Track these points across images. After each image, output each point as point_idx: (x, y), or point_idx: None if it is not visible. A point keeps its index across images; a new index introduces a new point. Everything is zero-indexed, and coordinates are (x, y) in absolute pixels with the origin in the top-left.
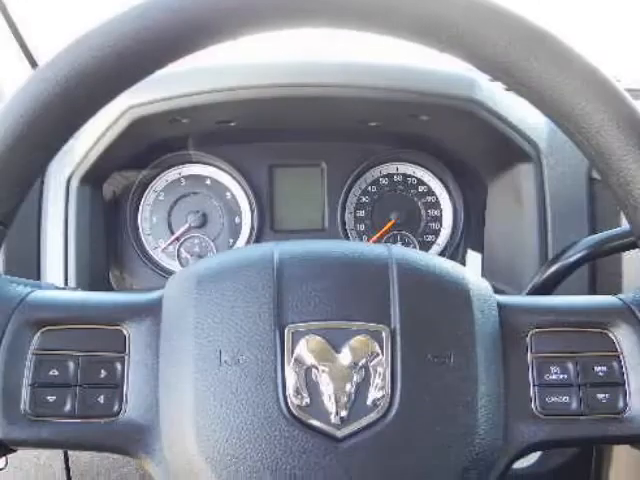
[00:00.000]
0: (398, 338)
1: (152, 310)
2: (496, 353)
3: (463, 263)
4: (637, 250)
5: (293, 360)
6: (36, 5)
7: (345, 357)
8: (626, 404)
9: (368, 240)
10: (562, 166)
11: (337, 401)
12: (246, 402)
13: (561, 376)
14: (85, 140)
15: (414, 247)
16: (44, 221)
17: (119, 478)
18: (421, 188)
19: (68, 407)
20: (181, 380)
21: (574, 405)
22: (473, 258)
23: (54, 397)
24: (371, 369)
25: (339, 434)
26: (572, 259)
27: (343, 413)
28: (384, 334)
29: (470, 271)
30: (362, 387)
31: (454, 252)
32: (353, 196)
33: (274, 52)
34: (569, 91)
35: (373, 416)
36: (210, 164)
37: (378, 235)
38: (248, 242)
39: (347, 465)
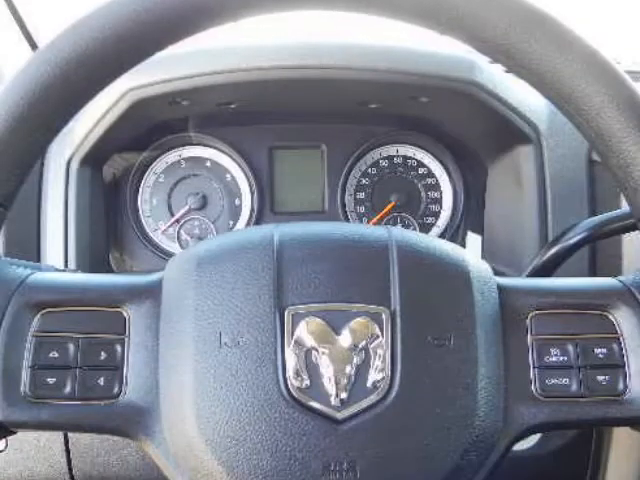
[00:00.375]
0: (398, 320)
1: (152, 292)
2: (496, 335)
3: (463, 245)
4: (637, 232)
5: (293, 342)
6: None
7: (345, 339)
8: (626, 386)
9: (368, 222)
10: (562, 148)
11: (337, 383)
12: (246, 384)
13: (561, 358)
14: (85, 122)
15: (414, 229)
16: (44, 203)
17: (119, 460)
18: (421, 170)
19: (68, 389)
20: (181, 362)
21: (574, 387)
22: (473, 240)
23: (54, 379)
24: (371, 351)
25: (339, 416)
26: (572, 241)
27: (343, 395)
28: (384, 316)
29: (470, 253)
30: (362, 369)
31: (454, 234)
32: (353, 178)
33: (274, 34)
34: (569, 73)
35: (373, 398)
36: (210, 146)
37: (378, 217)
38: (248, 224)
39: (347, 447)
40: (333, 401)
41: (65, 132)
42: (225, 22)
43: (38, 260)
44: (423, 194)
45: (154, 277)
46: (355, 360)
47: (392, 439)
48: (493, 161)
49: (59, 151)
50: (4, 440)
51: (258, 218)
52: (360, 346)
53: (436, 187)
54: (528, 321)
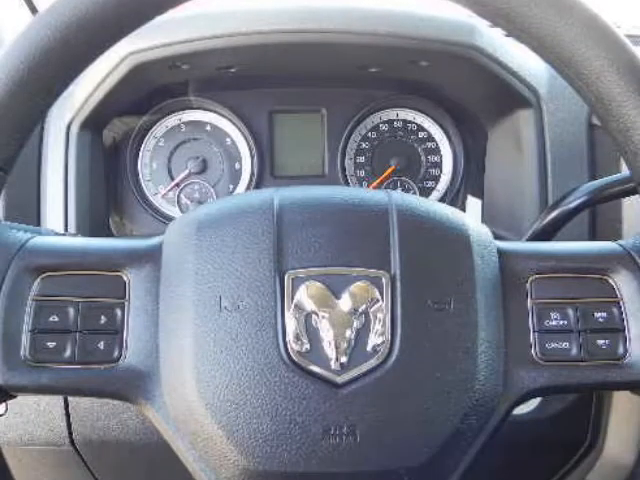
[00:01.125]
0: (398, 284)
1: (152, 256)
2: (496, 299)
3: (463, 209)
4: (637, 196)
5: (293, 306)
6: None
7: (345, 303)
8: (626, 350)
9: (368, 186)
10: (562, 112)
11: (337, 347)
12: (246, 348)
13: (561, 322)
14: (85, 86)
15: (414, 193)
16: (44, 167)
17: (119, 424)
18: (421, 134)
19: (68, 353)
20: (181, 326)
21: (574, 351)
22: (473, 204)
23: (54, 343)
24: (371, 315)
25: (339, 380)
26: (572, 205)
27: (343, 359)
28: (384, 280)
29: (470, 217)
30: (362, 333)
31: (454, 198)
32: (353, 142)
33: None
34: (569, 37)
35: (373, 362)
36: (210, 110)
37: (378, 181)
38: (248, 188)
39: (347, 411)
40: (333, 365)
41: (65, 96)
42: None
43: (38, 224)
44: (423, 158)
45: (154, 241)
46: (355, 324)
47: (392, 403)
48: (493, 125)
49: (59, 115)
50: (4, 404)
51: (258, 182)
52: (360, 310)
53: (436, 151)
54: (528, 285)
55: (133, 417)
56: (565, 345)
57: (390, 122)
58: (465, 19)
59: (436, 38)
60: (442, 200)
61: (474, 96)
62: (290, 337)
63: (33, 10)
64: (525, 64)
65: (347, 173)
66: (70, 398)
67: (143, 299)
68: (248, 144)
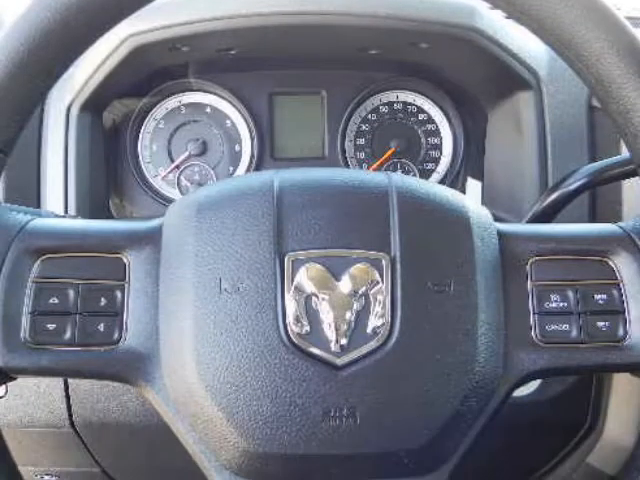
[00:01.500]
0: (398, 266)
1: (152, 238)
2: (496, 281)
3: (463, 191)
4: (637, 178)
5: (293, 288)
6: None
7: (345, 285)
8: (626, 332)
9: (368, 168)
10: (562, 94)
11: (337, 329)
12: (246, 330)
13: (561, 304)
14: (85, 68)
15: (414, 175)
16: (44, 149)
17: (119, 406)
18: (421, 116)
19: (68, 335)
20: (181, 308)
21: (574, 333)
22: (473, 186)
23: (54, 325)
24: (371, 297)
25: (339, 362)
26: (572, 187)
27: (343, 341)
28: (384, 262)
29: (470, 199)
30: (362, 315)
31: (454, 180)
32: (353, 124)
33: None
34: (569, 19)
35: (373, 344)
36: (210, 92)
37: (378, 163)
38: (248, 170)
39: (347, 393)
40: (333, 347)
41: (65, 78)
42: None
43: (38, 206)
44: (423, 140)
45: (154, 223)
46: (355, 306)
47: (392, 385)
48: (493, 107)
49: (59, 97)
50: (4, 386)
51: (258, 164)
52: (360, 292)
53: (436, 133)
54: (528, 267)
55: (133, 399)
56: (565, 327)
57: (390, 104)
58: (465, 1)
59: (436, 20)
60: (442, 182)
61: (474, 78)
62: (290, 319)
63: None
64: (525, 46)
65: (347, 155)
66: (70, 380)
67: (143, 281)
68: (248, 126)
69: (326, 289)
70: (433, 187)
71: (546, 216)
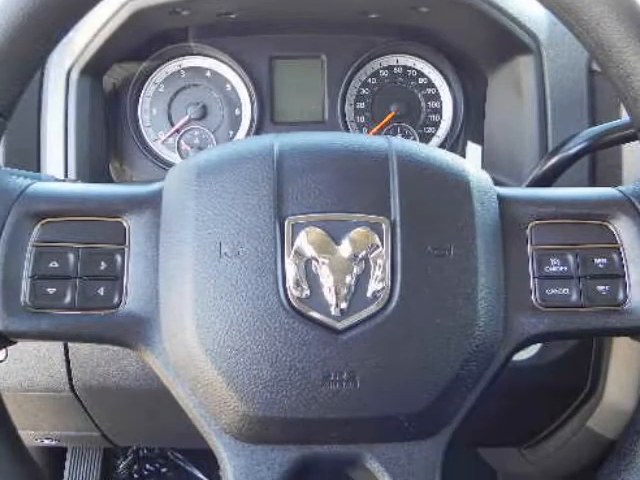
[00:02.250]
0: (398, 230)
1: (152, 202)
2: (496, 245)
3: (463, 155)
4: (637, 142)
5: (293, 252)
6: None
7: (345, 249)
8: (626, 296)
9: (368, 132)
10: (562, 58)
11: (337, 293)
12: (246, 294)
13: (561, 268)
14: (85, 32)
15: (414, 139)
16: (44, 113)
17: (119, 370)
18: (421, 80)
19: (68, 299)
20: (181, 272)
21: (574, 297)
22: (473, 150)
23: (54, 289)
24: (371, 261)
25: (339, 326)
26: (572, 151)
27: (343, 305)
28: (384, 226)
29: (470, 163)
30: (362, 279)
31: (454, 144)
32: (353, 88)
33: None
34: None
35: (373, 308)
36: (210, 56)
37: (378, 127)
38: (248, 134)
39: (347, 357)
40: (333, 311)
41: (65, 42)
42: None
43: (38, 170)
44: (423, 104)
45: (154, 187)
46: (355, 270)
47: (392, 349)
48: (493, 71)
49: (59, 61)
50: (4, 350)
51: (258, 128)
52: (360, 256)
53: (436, 97)
54: (528, 231)
55: (133, 363)
56: (565, 291)
57: (390, 68)
58: None
59: None
60: (442, 146)
61: (474, 42)
62: (290, 283)
63: None
64: (525, 10)
65: (347, 119)
66: (70, 344)
67: (143, 245)
68: (248, 90)
69: (326, 253)
70: (433, 151)
71: (546, 180)
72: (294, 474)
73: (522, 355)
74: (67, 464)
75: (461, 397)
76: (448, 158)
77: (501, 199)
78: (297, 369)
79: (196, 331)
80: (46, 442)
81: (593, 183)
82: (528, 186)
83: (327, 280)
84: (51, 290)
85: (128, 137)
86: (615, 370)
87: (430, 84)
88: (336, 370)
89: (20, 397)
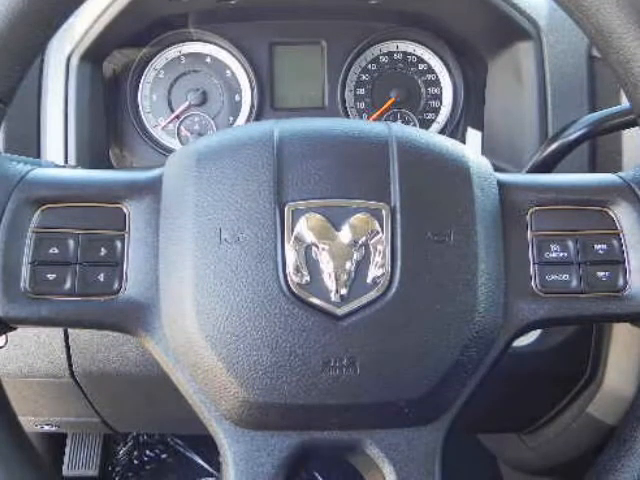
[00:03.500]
0: (398, 216)
1: (152, 188)
2: (496, 231)
3: (463, 141)
4: (637, 128)
5: (293, 238)
6: None
7: (345, 235)
8: (626, 282)
9: (368, 118)
10: (562, 44)
11: (337, 279)
12: (246, 280)
13: (561, 254)
14: (86, 18)
15: (414, 125)
16: (44, 99)
17: (119, 356)
18: (421, 66)
19: (68, 285)
20: (181, 258)
21: (574, 283)
22: (473, 136)
23: (54, 275)
24: (371, 247)
25: (339, 312)
26: (572, 137)
27: (343, 291)
28: (384, 212)
29: (470, 149)
30: (362, 265)
31: (454, 130)
32: (353, 74)
33: None
34: None
35: (373, 294)
36: (210, 42)
37: (378, 113)
38: (248, 120)
39: (347, 343)
40: (333, 297)
41: (65, 28)
42: None
43: (38, 156)
44: (423, 90)
45: (154, 173)
46: (355, 256)
47: (392, 335)
48: (493, 57)
49: (59, 47)
50: (4, 336)
51: (258, 114)
52: (360, 242)
53: (436, 83)
54: (528, 217)
55: (133, 349)
56: (565, 277)
57: (390, 54)
58: None
59: None
60: (442, 132)
61: (474, 28)
62: (290, 269)
63: None
64: None
65: (347, 105)
66: (70, 330)
67: (143, 231)
68: (248, 76)
69: (326, 239)
70: (433, 137)
71: (546, 166)
72: (294, 460)
73: (522, 341)
74: (67, 450)
75: (461, 383)
76: (448, 144)
77: (501, 185)
78: (297, 355)
79: (196, 317)
80: (46, 428)
81: (593, 169)
82: (528, 172)
83: (327, 266)
84: (51, 276)
85: (128, 123)
86: (615, 356)
87: (430, 70)
88: (336, 356)
89: (20, 383)
